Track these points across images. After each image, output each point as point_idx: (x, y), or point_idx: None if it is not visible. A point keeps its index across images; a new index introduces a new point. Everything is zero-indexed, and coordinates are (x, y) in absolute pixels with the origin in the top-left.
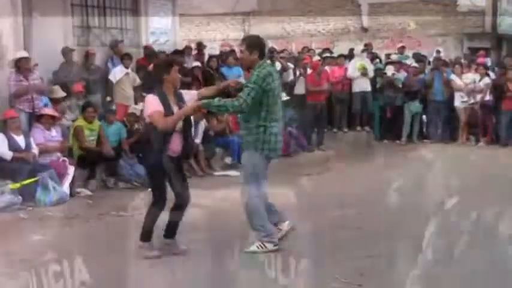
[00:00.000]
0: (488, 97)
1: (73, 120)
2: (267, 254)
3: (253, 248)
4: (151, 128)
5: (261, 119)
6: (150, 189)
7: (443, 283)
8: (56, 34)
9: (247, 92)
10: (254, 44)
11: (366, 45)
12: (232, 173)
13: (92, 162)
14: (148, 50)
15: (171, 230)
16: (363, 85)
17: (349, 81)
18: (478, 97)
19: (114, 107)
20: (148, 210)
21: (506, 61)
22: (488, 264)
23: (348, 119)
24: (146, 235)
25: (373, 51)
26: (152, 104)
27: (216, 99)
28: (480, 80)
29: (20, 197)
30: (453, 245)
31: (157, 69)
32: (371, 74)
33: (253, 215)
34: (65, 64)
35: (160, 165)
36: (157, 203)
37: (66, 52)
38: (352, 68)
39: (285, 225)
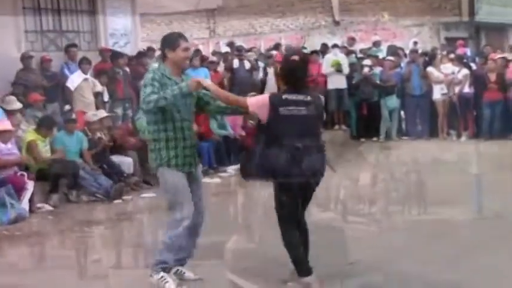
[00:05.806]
0: (467, 89)
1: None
2: None
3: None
4: None
5: None
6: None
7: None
8: (7, 40)
9: None
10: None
11: (348, 38)
12: (207, 179)
13: (54, 175)
14: (103, 53)
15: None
16: (338, 82)
17: (324, 79)
18: (457, 89)
19: (74, 116)
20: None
21: (486, 50)
22: None
23: None
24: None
25: (345, 45)
26: None
27: None
28: (459, 72)
29: None
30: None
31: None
32: (346, 70)
33: None
34: (23, 71)
35: None
36: None
37: (25, 58)
38: (326, 64)
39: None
